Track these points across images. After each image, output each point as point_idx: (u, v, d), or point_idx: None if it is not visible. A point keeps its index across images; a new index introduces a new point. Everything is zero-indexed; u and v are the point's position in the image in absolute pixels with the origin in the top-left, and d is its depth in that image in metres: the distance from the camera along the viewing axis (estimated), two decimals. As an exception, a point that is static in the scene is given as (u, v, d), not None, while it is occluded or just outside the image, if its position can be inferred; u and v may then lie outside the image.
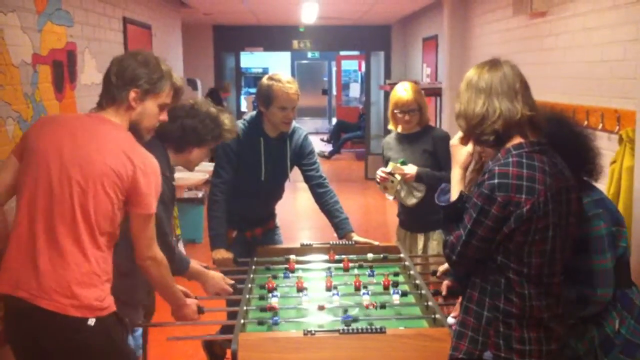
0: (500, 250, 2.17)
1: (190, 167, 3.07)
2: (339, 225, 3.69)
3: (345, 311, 2.67)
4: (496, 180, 2.12)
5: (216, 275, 3.08)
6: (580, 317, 2.45)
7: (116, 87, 2.42)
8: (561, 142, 2.38)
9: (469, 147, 2.38)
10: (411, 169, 3.68)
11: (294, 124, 3.72)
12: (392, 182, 3.66)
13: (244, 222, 3.73)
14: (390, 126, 3.93)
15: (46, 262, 2.25)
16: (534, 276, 2.17)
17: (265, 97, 3.54)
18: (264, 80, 3.59)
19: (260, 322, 2.63)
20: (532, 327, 2.19)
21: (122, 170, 2.31)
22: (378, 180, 3.77)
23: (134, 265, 2.51)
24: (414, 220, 3.86)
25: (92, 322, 2.27)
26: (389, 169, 3.70)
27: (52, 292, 2.23)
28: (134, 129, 2.47)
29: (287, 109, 3.53)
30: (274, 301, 2.79)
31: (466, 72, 2.39)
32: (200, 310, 2.80)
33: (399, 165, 3.68)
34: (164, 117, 2.56)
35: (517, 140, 2.21)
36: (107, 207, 2.32)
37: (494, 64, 2.33)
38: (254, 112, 3.70)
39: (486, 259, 2.21)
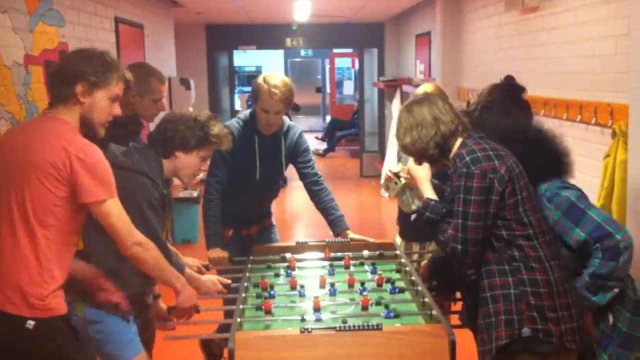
0: (500, 225, 2.32)
1: (181, 178, 2.88)
2: (335, 222, 3.68)
3: (387, 306, 2.71)
4: (467, 158, 2.33)
5: (209, 279, 3.00)
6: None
7: (62, 85, 2.40)
8: (542, 146, 2.56)
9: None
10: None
11: (288, 122, 3.72)
12: (396, 184, 3.59)
13: (240, 220, 3.72)
14: None
15: None
16: (540, 234, 2.32)
17: (254, 96, 3.57)
18: (259, 78, 3.59)
19: (257, 321, 2.62)
20: (561, 293, 2.28)
21: (58, 160, 2.26)
22: (384, 177, 3.71)
23: (118, 264, 2.48)
24: (410, 228, 3.77)
25: (30, 324, 2.22)
26: (396, 169, 3.62)
27: None
28: (87, 124, 2.43)
29: (269, 112, 3.51)
30: (269, 300, 2.79)
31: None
32: (196, 310, 2.79)
33: (407, 168, 3.59)
34: (117, 110, 2.51)
35: (461, 139, 2.45)
36: (45, 199, 2.27)
37: (419, 98, 2.55)
38: (248, 111, 3.70)
39: (489, 241, 2.33)
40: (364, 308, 2.74)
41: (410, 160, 2.67)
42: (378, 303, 2.77)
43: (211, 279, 3.00)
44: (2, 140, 2.49)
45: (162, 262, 2.55)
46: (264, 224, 3.88)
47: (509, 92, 2.79)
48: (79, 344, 2.40)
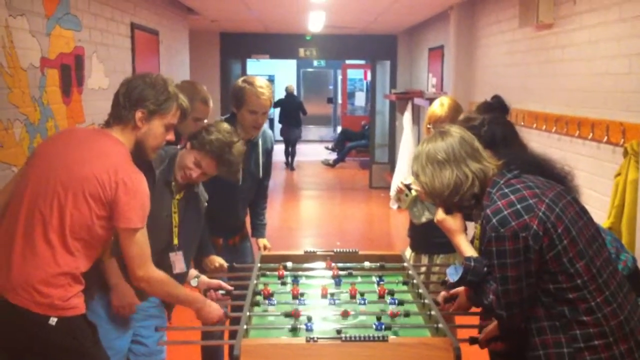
0: (546, 279, 2.11)
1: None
2: (257, 227, 4.02)
3: (379, 318, 2.68)
4: (494, 220, 2.11)
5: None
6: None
7: (123, 107, 2.51)
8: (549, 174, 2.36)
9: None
10: None
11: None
12: (407, 195, 3.59)
13: (227, 229, 3.78)
14: None
15: (18, 258, 2.33)
16: (589, 281, 2.08)
17: (237, 99, 3.60)
18: (238, 82, 3.66)
19: (293, 329, 2.63)
20: (620, 340, 2.07)
21: (106, 181, 2.37)
22: (395, 189, 3.72)
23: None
24: (419, 240, 3.76)
25: (53, 321, 2.31)
26: (408, 181, 3.62)
27: (18, 287, 2.31)
28: (140, 148, 2.55)
29: (257, 113, 3.57)
30: (299, 307, 2.79)
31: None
32: (226, 316, 2.79)
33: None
34: (170, 136, 2.63)
35: (490, 182, 2.23)
36: (84, 213, 2.36)
37: (444, 132, 2.32)
38: (224, 117, 3.74)
39: (536, 297, 2.13)
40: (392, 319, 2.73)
41: (439, 212, 2.46)
42: (407, 314, 2.74)
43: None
44: (49, 144, 2.57)
45: (173, 293, 2.62)
46: (243, 232, 3.94)
47: (499, 111, 2.80)
48: (95, 338, 2.49)
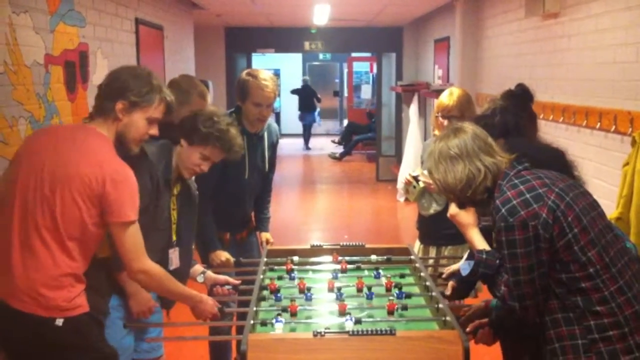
0: (558, 269, 2.10)
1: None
2: (261, 221, 3.98)
3: (348, 314, 2.66)
4: (503, 210, 2.11)
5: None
6: None
7: (105, 99, 2.47)
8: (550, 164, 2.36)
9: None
10: None
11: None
12: (414, 187, 3.58)
13: (234, 224, 3.77)
14: (436, 131, 3.75)
15: (18, 263, 2.31)
16: (602, 270, 2.06)
17: (241, 92, 3.58)
18: (243, 74, 3.64)
19: (264, 323, 2.60)
20: (635, 330, 2.05)
21: (92, 177, 2.33)
22: (403, 181, 3.71)
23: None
24: (427, 231, 3.76)
25: (60, 322, 2.31)
26: (416, 172, 3.61)
27: (20, 292, 2.29)
28: (121, 141, 2.49)
29: (261, 106, 3.56)
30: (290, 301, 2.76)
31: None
32: (220, 311, 2.77)
33: (426, 172, 3.57)
34: (154, 131, 2.56)
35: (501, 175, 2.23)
36: (74, 213, 2.33)
37: (457, 129, 2.32)
38: (229, 111, 3.69)
39: (549, 289, 2.12)
40: (390, 312, 2.70)
41: (452, 207, 2.48)
42: (404, 308, 2.72)
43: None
44: (32, 145, 2.50)
45: (170, 287, 2.60)
46: (250, 227, 3.93)
47: (521, 99, 2.77)
48: (102, 334, 2.51)
